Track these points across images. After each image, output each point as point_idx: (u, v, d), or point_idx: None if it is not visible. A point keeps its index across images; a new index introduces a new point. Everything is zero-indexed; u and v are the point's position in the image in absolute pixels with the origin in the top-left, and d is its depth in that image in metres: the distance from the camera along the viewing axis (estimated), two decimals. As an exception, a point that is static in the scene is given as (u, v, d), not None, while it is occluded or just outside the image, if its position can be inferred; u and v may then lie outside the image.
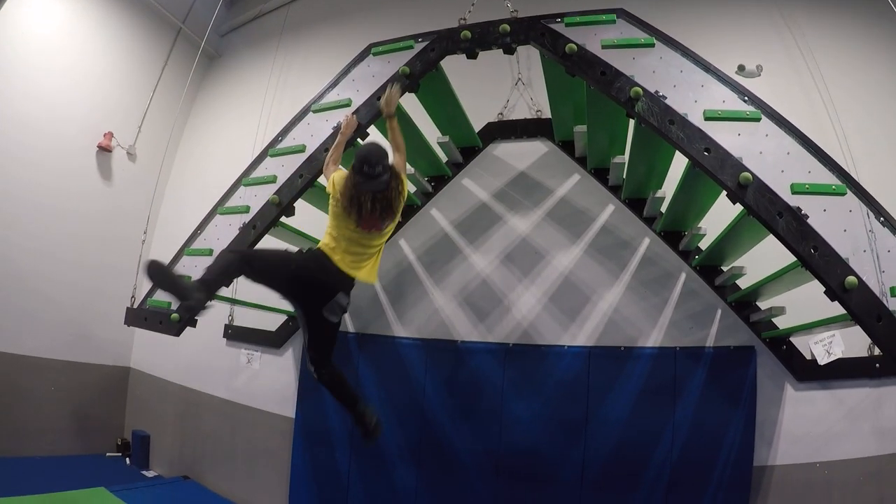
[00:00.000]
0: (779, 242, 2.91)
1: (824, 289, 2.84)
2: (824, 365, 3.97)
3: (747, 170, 2.93)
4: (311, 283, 3.20)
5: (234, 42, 7.58)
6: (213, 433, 5.76)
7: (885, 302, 2.75)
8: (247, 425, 5.54)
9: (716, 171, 2.97)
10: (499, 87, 5.30)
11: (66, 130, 6.02)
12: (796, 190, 2.92)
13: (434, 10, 5.12)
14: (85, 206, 6.18)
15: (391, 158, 3.29)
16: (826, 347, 4.05)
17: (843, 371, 4.07)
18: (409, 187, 5.02)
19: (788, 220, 2.86)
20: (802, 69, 5.01)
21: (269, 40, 6.99)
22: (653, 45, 3.33)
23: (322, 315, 3.23)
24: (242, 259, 3.29)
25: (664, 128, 3.07)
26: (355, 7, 6.63)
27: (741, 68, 4.82)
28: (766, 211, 2.89)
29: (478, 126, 5.10)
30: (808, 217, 2.88)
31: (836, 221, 2.90)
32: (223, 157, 6.27)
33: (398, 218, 3.35)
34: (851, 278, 2.74)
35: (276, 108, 6.16)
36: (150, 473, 5.90)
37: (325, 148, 3.90)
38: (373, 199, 3.11)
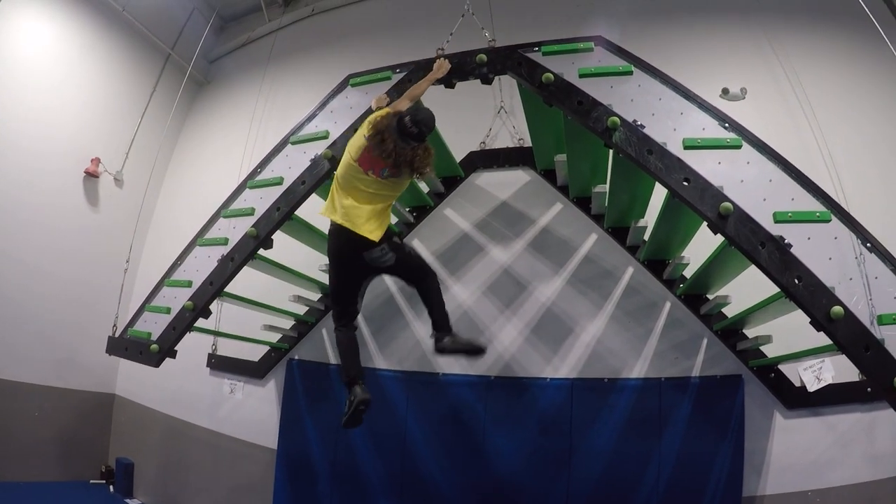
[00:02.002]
0: (763, 272, 2.85)
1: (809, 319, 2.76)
2: (814, 391, 3.92)
3: (728, 199, 2.88)
4: (347, 259, 3.38)
5: (222, 69, 7.62)
6: (197, 463, 5.68)
7: (873, 331, 2.67)
8: (230, 456, 5.47)
9: (695, 201, 2.92)
10: (481, 115, 5.30)
11: (53, 155, 5.99)
12: (779, 219, 2.87)
13: (417, 40, 5.12)
14: (72, 232, 6.14)
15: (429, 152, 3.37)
16: (815, 374, 3.99)
17: (834, 397, 3.99)
18: (391, 219, 5.02)
19: (771, 251, 2.80)
20: (787, 91, 5.01)
21: (257, 67, 7.03)
22: (631, 73, 3.30)
23: (382, 266, 3.37)
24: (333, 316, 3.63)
25: (642, 158, 3.03)
26: (339, 36, 6.71)
27: (725, 92, 4.82)
28: (748, 241, 2.84)
29: (460, 155, 5.09)
30: (791, 246, 2.81)
31: (820, 249, 2.84)
32: (210, 185, 6.22)
33: (400, 179, 3.29)
34: (837, 308, 2.67)
35: (261, 135, 6.15)
36: (133, 502, 5.78)
37: (302, 181, 3.88)
38: (395, 147, 3.13)
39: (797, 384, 4.16)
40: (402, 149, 3.13)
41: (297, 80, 6.58)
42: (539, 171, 4.93)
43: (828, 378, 3.92)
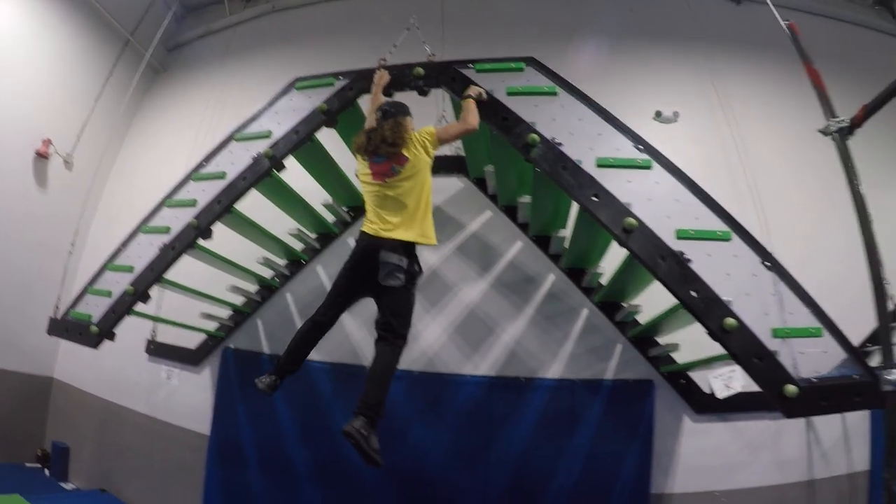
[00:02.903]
0: (671, 283, 3.05)
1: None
2: (723, 398, 4.17)
3: (633, 215, 3.09)
4: (357, 263, 3.25)
5: (180, 58, 7.60)
6: (132, 447, 5.72)
7: (765, 343, 2.89)
8: (163, 440, 5.53)
9: (602, 216, 3.13)
10: (425, 123, 5.37)
11: (4, 134, 5.91)
12: (681, 235, 3.08)
13: (373, 45, 5.23)
14: (18, 210, 6.06)
15: (409, 119, 3.40)
16: (725, 382, 4.24)
17: (743, 404, 4.17)
18: (328, 216, 5.19)
19: (671, 265, 3.01)
20: (719, 117, 5.33)
21: (214, 60, 7.07)
22: (556, 94, 3.51)
23: (381, 286, 3.13)
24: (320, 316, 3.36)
25: (556, 173, 3.24)
26: (297, 36, 6.81)
27: (658, 114, 5.09)
28: (649, 255, 3.05)
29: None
30: (690, 261, 3.02)
31: (720, 266, 3.04)
32: (159, 173, 6.12)
33: (416, 157, 3.22)
34: (731, 320, 2.88)
35: (213, 128, 6.14)
36: (68, 486, 5.77)
37: (243, 177, 4.00)
38: (368, 135, 3.26)
39: (707, 391, 4.44)
40: (373, 135, 3.26)
41: (252, 75, 6.62)
42: (472, 180, 5.15)
43: (737, 386, 4.17)
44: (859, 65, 5.38)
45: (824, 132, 3.15)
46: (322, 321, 3.34)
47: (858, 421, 4.82)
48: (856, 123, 3.05)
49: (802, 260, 4.57)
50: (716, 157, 5.22)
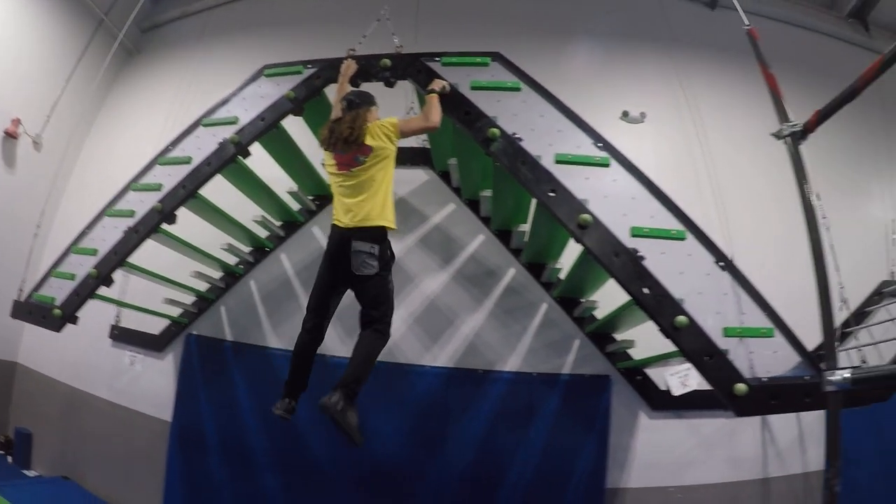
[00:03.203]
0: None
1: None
2: (679, 396, 4.24)
3: (588, 212, 3.13)
4: (332, 257, 3.27)
5: (154, 40, 7.48)
6: (95, 434, 5.67)
7: (716, 341, 2.94)
8: (126, 427, 5.49)
9: (558, 211, 3.18)
10: (393, 115, 5.39)
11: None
12: (636, 233, 3.12)
13: (348, 34, 5.25)
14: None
15: (374, 109, 3.45)
16: (681, 379, 4.32)
17: (698, 402, 4.25)
18: (293, 204, 5.19)
19: (624, 261, 3.06)
20: (686, 118, 5.40)
21: (188, 43, 6.98)
22: (519, 90, 3.54)
23: (356, 276, 3.17)
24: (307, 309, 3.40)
25: (514, 168, 3.28)
26: (271, 22, 6.75)
27: (625, 114, 5.15)
28: (604, 251, 3.09)
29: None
30: (644, 259, 3.06)
31: (673, 264, 3.09)
32: (128, 156, 5.96)
33: (380, 147, 3.25)
34: (682, 318, 2.93)
35: (184, 112, 5.97)
36: (31, 473, 5.68)
37: (208, 162, 3.98)
38: (331, 127, 3.32)
39: (663, 388, 4.51)
40: (334, 129, 3.31)
41: (225, 60, 6.56)
42: (437, 172, 5.19)
43: (693, 384, 4.25)
44: (831, 75, 5.43)
45: (777, 136, 3.21)
46: (310, 328, 3.38)
47: (814, 421, 4.94)
48: (809, 128, 3.11)
49: (764, 261, 4.76)
50: (681, 158, 5.31)
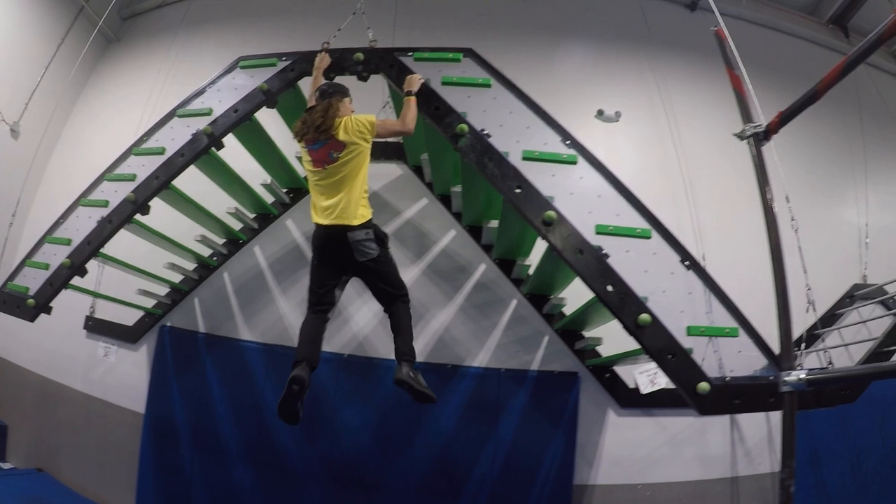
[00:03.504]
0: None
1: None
2: (647, 394, 4.29)
3: (553, 209, 3.17)
4: (327, 254, 3.31)
5: (134, 28, 7.42)
6: (69, 425, 5.63)
7: (679, 340, 2.98)
8: (100, 419, 5.47)
9: (523, 207, 3.21)
10: (368, 109, 5.39)
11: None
12: (600, 231, 3.16)
13: (327, 26, 5.27)
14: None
15: (346, 100, 3.42)
16: (650, 378, 4.37)
17: (667, 400, 4.34)
18: (267, 197, 5.19)
19: (588, 259, 3.09)
20: (661, 118, 5.44)
21: (168, 31, 6.92)
22: (489, 86, 3.56)
23: (361, 264, 3.25)
24: (308, 304, 3.40)
25: (481, 164, 3.31)
26: (253, 12, 6.72)
27: (600, 113, 5.19)
28: (567, 248, 3.12)
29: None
30: (608, 256, 3.10)
31: (638, 262, 3.12)
32: (106, 145, 5.91)
33: (353, 143, 3.22)
34: (645, 316, 2.97)
35: (162, 101, 6.04)
36: (6, 465, 5.63)
37: (181, 153, 3.98)
38: (304, 117, 3.33)
39: (631, 386, 4.56)
40: (307, 119, 3.30)
41: (204, 49, 6.54)
42: (410, 167, 5.21)
43: (661, 383, 4.30)
44: (810, 79, 5.50)
45: (740, 136, 3.26)
46: (315, 316, 3.37)
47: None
48: (771, 129, 3.16)
49: (736, 261, 4.81)
50: (655, 158, 5.37)
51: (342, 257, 3.26)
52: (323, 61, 3.81)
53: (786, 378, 2.82)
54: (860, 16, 6.55)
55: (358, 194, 3.28)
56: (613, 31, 6.04)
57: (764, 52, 6.23)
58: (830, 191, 6.14)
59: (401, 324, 3.35)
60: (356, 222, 3.21)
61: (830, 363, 3.41)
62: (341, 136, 3.22)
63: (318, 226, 3.30)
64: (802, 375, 2.78)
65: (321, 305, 3.35)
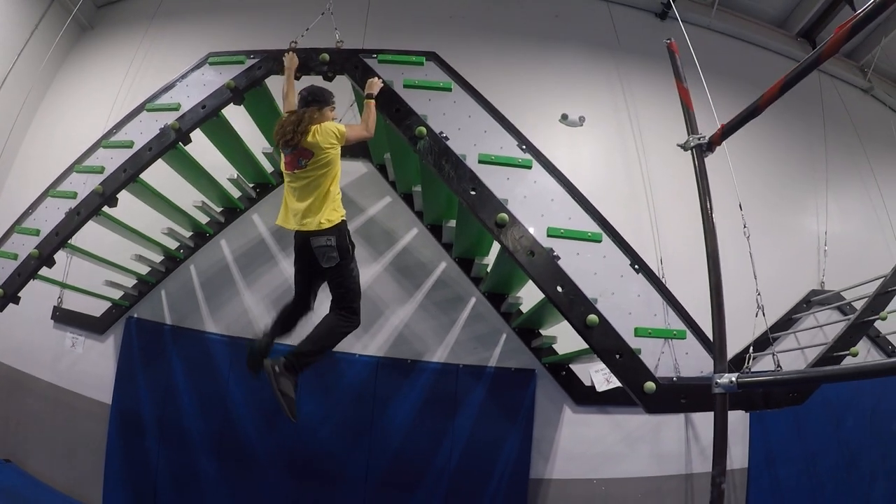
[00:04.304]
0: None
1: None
2: (603, 391, 4.41)
3: (507, 211, 3.27)
4: (299, 256, 3.46)
5: (108, 16, 7.32)
6: (36, 416, 5.61)
7: (627, 340, 3.11)
8: (67, 409, 5.45)
9: (477, 209, 3.31)
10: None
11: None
12: (552, 233, 3.28)
13: (300, 24, 5.32)
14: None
15: (327, 109, 3.52)
16: (606, 376, 4.48)
17: (622, 398, 4.40)
18: (234, 191, 5.24)
19: (539, 260, 3.20)
20: (625, 123, 5.56)
21: (142, 21, 6.87)
22: (450, 90, 3.66)
23: (324, 268, 3.37)
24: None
25: (439, 166, 3.41)
26: (225, 5, 6.72)
27: (564, 117, 5.30)
28: (519, 249, 3.23)
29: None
30: (559, 258, 3.21)
31: (588, 265, 3.24)
32: (77, 135, 5.81)
33: (321, 151, 3.30)
34: (592, 317, 3.08)
35: (133, 92, 6.04)
36: (-27, 458, 5.66)
37: (149, 147, 4.04)
38: (280, 123, 3.40)
39: (587, 383, 4.69)
40: (283, 123, 3.39)
41: (176, 42, 6.53)
42: (375, 165, 5.31)
43: (616, 381, 4.43)
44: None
45: (684, 147, 3.38)
46: (294, 303, 3.63)
47: (737, 421, 5.16)
48: (714, 141, 3.28)
49: (693, 267, 4.92)
50: (618, 163, 5.49)
51: (309, 261, 3.39)
52: (293, 62, 3.89)
53: (718, 380, 2.91)
54: (829, 30, 6.71)
55: (325, 199, 3.36)
56: (582, 37, 6.16)
57: (731, 63, 6.40)
58: (793, 198, 6.35)
59: (319, 328, 3.42)
60: (322, 227, 3.29)
61: (779, 366, 3.52)
62: (309, 143, 3.31)
63: (296, 234, 3.41)
64: (734, 378, 2.88)
65: (303, 301, 3.60)
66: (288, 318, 3.65)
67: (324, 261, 3.31)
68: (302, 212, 3.33)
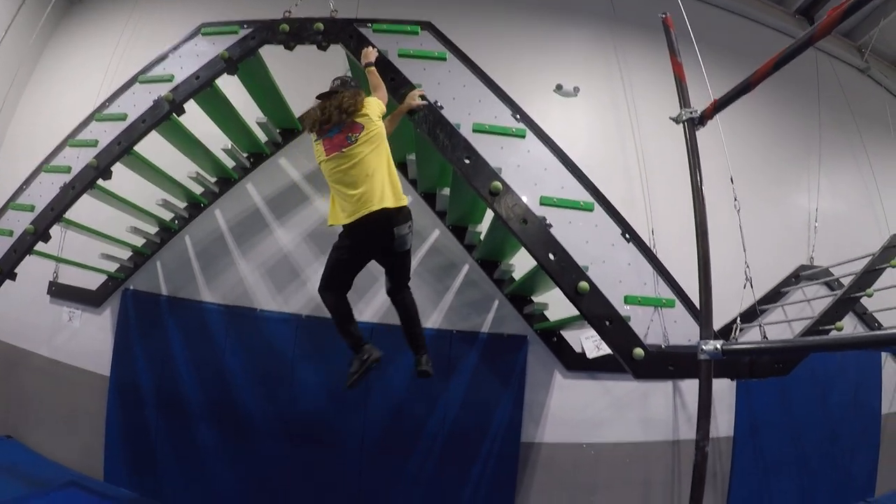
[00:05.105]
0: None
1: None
2: (593, 358, 4.48)
3: (500, 179, 3.31)
4: (365, 242, 3.36)
5: (98, -13, 7.21)
6: (36, 391, 5.66)
7: (617, 308, 3.17)
8: (66, 383, 5.50)
9: (471, 177, 3.36)
10: (330, 74, 5.38)
11: None
12: (545, 202, 3.32)
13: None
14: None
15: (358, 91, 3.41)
16: (596, 343, 4.54)
17: (612, 365, 4.48)
18: (228, 161, 5.23)
19: (532, 228, 3.25)
20: (619, 95, 5.58)
21: (131, -8, 6.74)
22: (445, 59, 3.68)
23: (397, 253, 3.41)
24: (327, 288, 3.51)
25: (433, 134, 3.45)
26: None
27: (559, 87, 5.31)
28: (512, 217, 3.28)
29: (301, 110, 5.02)
30: (551, 226, 3.26)
31: (579, 234, 3.29)
32: (67, 110, 5.81)
33: (371, 124, 3.23)
34: (583, 284, 3.14)
35: (124, 65, 5.93)
36: (-27, 433, 5.66)
37: (143, 119, 4.04)
38: (321, 105, 3.32)
39: (578, 350, 4.77)
40: (328, 103, 3.29)
41: (166, 12, 6.42)
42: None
43: (606, 348, 4.50)
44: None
45: (675, 120, 3.42)
46: (337, 293, 3.54)
47: (724, 389, 5.28)
48: (706, 115, 3.32)
49: (685, 236, 4.98)
50: (612, 134, 5.52)
51: (379, 245, 3.36)
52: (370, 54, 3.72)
53: (703, 346, 2.98)
54: (827, 8, 6.70)
55: (389, 175, 3.27)
56: (577, 6, 6.11)
57: (729, 38, 6.39)
58: (786, 174, 6.42)
59: (412, 311, 3.60)
60: (401, 203, 3.26)
61: (765, 337, 3.60)
62: (361, 115, 3.25)
63: (360, 221, 3.19)
64: (719, 345, 2.96)
65: (344, 288, 3.53)
66: (348, 307, 3.60)
67: (402, 245, 3.35)
68: (366, 193, 3.16)
